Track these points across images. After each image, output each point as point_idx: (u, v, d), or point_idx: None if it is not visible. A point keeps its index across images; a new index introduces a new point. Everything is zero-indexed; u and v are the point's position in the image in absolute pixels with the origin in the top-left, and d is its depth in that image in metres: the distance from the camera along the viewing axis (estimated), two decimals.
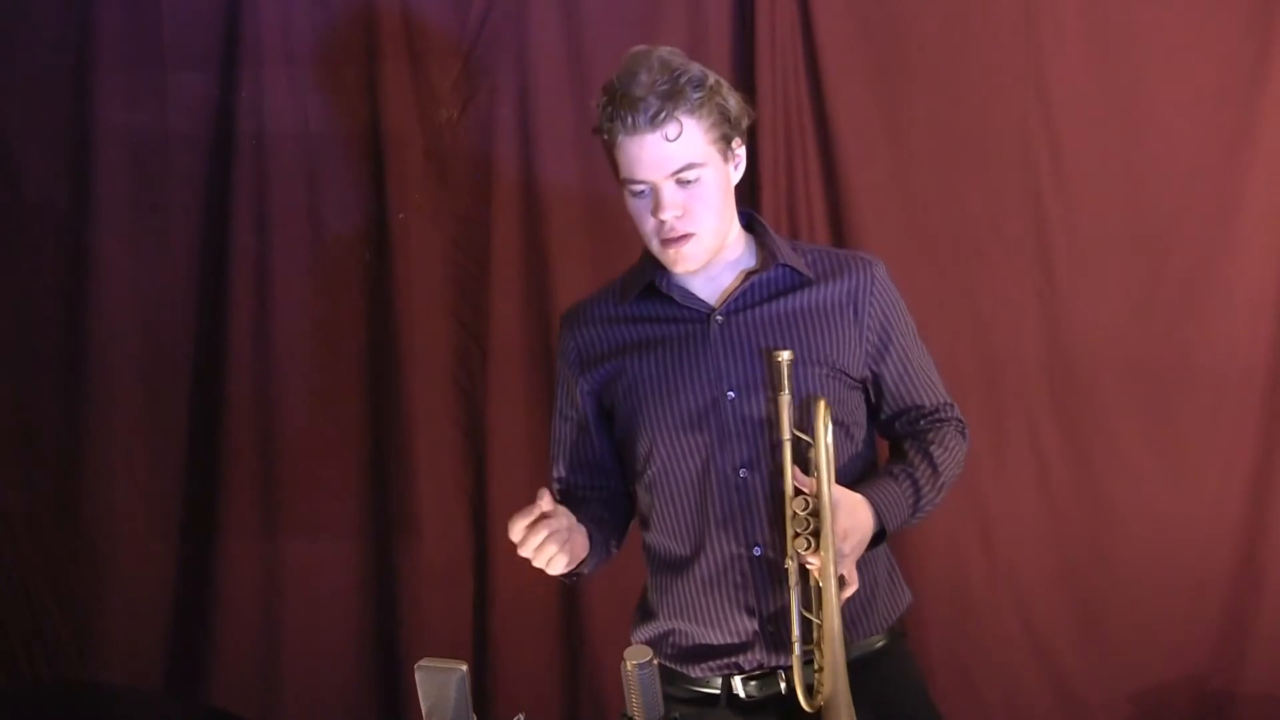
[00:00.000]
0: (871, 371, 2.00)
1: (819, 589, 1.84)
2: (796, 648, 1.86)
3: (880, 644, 2.00)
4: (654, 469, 2.00)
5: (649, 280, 2.02)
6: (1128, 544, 3.03)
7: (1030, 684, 3.04)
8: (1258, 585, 2.99)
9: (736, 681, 1.96)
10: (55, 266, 3.23)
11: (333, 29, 3.17)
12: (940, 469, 1.97)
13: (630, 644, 1.77)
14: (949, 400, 2.06)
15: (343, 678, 3.21)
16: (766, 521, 1.92)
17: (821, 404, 1.85)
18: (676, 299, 1.99)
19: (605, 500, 2.12)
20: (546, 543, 1.83)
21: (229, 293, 3.18)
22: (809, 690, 1.86)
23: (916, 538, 2.88)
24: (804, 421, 1.87)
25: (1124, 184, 3.00)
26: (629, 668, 1.71)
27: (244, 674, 3.20)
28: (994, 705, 3.08)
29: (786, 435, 1.86)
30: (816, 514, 1.81)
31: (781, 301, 1.97)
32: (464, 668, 1.68)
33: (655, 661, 1.70)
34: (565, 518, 1.87)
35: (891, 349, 1.99)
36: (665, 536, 2.02)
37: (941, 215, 3.03)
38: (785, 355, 1.87)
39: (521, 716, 1.87)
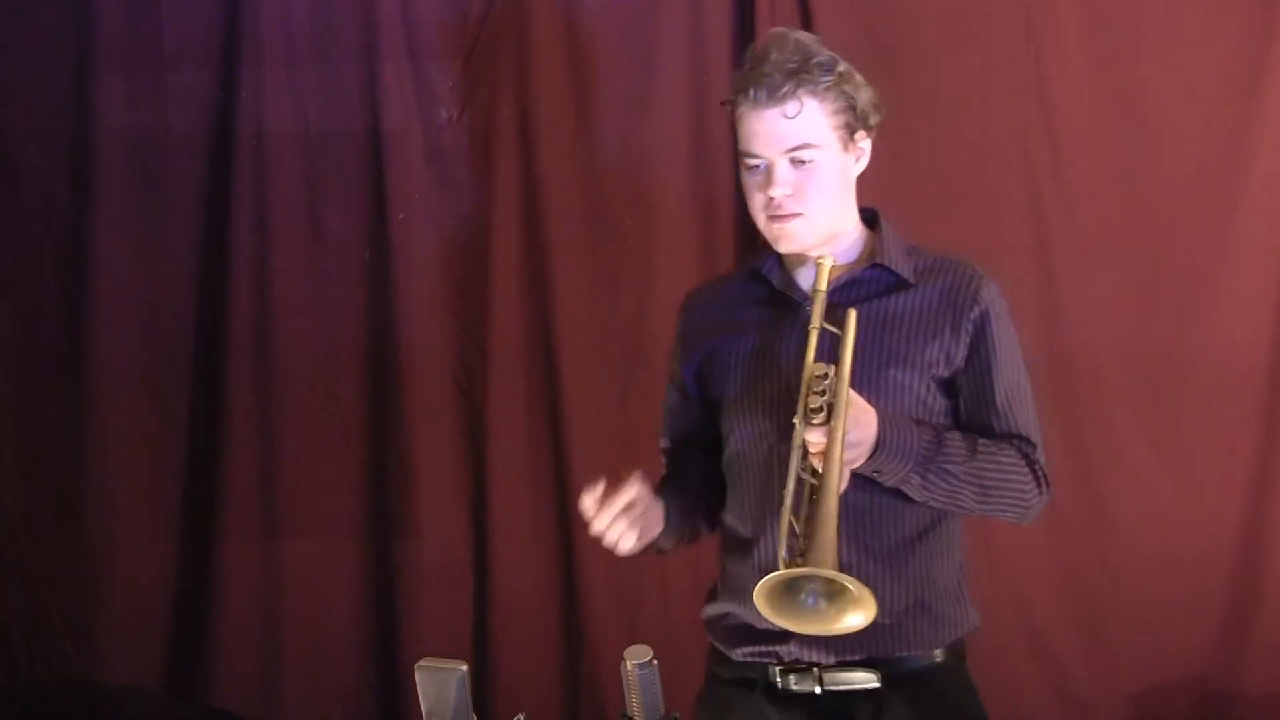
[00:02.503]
0: (955, 380, 1.94)
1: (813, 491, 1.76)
2: (788, 500, 1.77)
3: (939, 659, 1.95)
4: (731, 449, 1.99)
5: (756, 265, 2.01)
6: (1128, 544, 3.03)
7: (1031, 685, 3.04)
8: (1258, 585, 2.99)
9: (774, 671, 1.94)
10: (55, 266, 3.23)
11: (333, 29, 3.17)
12: (980, 454, 1.86)
13: (633, 643, 1.77)
14: (1028, 438, 1.94)
15: (343, 678, 3.21)
16: None
17: (852, 312, 1.83)
18: (775, 284, 1.98)
19: (705, 476, 2.08)
20: (615, 521, 1.80)
21: (229, 293, 3.18)
22: (790, 552, 1.77)
23: None
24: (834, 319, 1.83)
25: (1124, 184, 3.00)
26: (629, 668, 1.71)
27: (244, 674, 3.20)
28: (994, 706, 3.06)
29: (816, 325, 1.82)
30: (835, 393, 1.75)
31: (877, 303, 1.93)
32: (464, 668, 1.68)
33: (655, 661, 1.70)
34: (642, 498, 1.84)
35: (976, 362, 1.92)
36: (734, 518, 2.00)
37: (941, 215, 3.03)
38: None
39: (521, 716, 1.86)
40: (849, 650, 1.90)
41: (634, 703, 1.71)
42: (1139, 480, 3.02)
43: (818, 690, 1.91)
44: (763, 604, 1.70)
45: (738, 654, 1.97)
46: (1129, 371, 3.01)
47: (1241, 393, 2.98)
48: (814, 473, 1.75)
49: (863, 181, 3.06)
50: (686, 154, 3.10)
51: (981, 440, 1.89)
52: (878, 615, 1.77)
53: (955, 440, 1.87)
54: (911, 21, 3.02)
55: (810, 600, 1.72)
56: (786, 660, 1.93)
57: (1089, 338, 3.01)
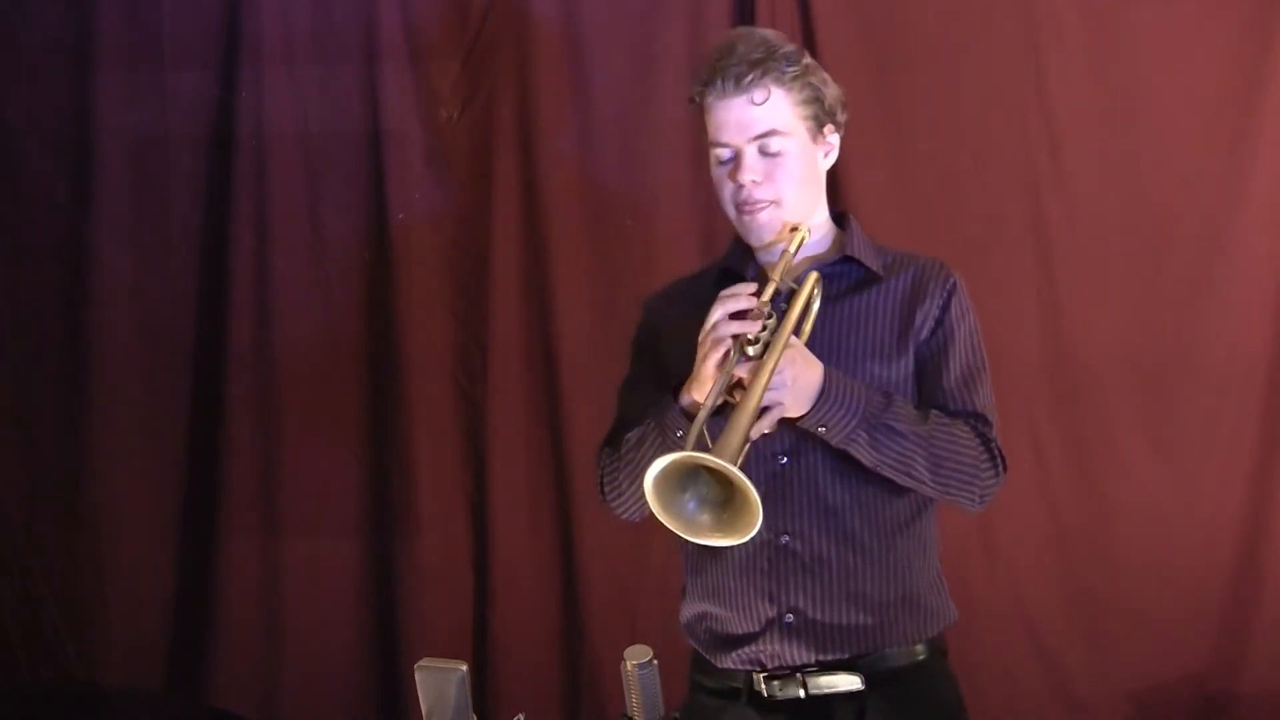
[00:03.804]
0: (915, 360, 1.94)
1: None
2: (705, 413, 1.72)
3: (921, 657, 1.95)
4: None
5: (726, 263, 2.02)
6: (1128, 543, 3.03)
7: (1030, 684, 3.04)
8: (1258, 584, 2.99)
9: (759, 679, 1.94)
10: (55, 266, 3.24)
11: (333, 29, 3.18)
12: (932, 422, 1.85)
13: (633, 643, 1.77)
14: (984, 415, 1.93)
15: (343, 678, 3.21)
16: (799, 511, 1.90)
17: (813, 274, 1.86)
18: (748, 279, 1.94)
19: None
20: None
21: (229, 293, 3.18)
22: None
23: None
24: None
25: (1124, 184, 3.00)
26: (629, 668, 1.71)
27: (244, 674, 3.20)
28: (994, 705, 3.08)
29: (776, 278, 1.82)
30: (772, 335, 1.75)
31: (849, 300, 1.95)
32: (464, 668, 1.68)
33: (655, 661, 1.70)
34: None
35: (934, 340, 1.94)
36: None
37: (942, 215, 3.03)
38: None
39: (521, 716, 1.86)
40: (833, 649, 1.90)
41: (634, 703, 1.71)
42: (1139, 480, 3.02)
43: (802, 694, 1.91)
44: (651, 492, 1.65)
45: (722, 661, 1.97)
46: (1129, 371, 3.01)
47: (1241, 392, 2.98)
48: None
49: (864, 183, 3.07)
50: (686, 154, 3.10)
51: (934, 411, 1.89)
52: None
53: (906, 404, 1.87)
54: (911, 22, 3.02)
55: (692, 506, 1.69)
56: (770, 666, 1.93)
57: (1089, 338, 3.01)
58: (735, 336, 1.75)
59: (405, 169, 3.16)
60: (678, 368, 1.87)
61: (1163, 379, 3.00)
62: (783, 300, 1.85)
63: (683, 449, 1.68)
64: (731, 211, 1.94)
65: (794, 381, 1.77)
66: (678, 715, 1.80)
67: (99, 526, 3.22)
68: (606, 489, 2.04)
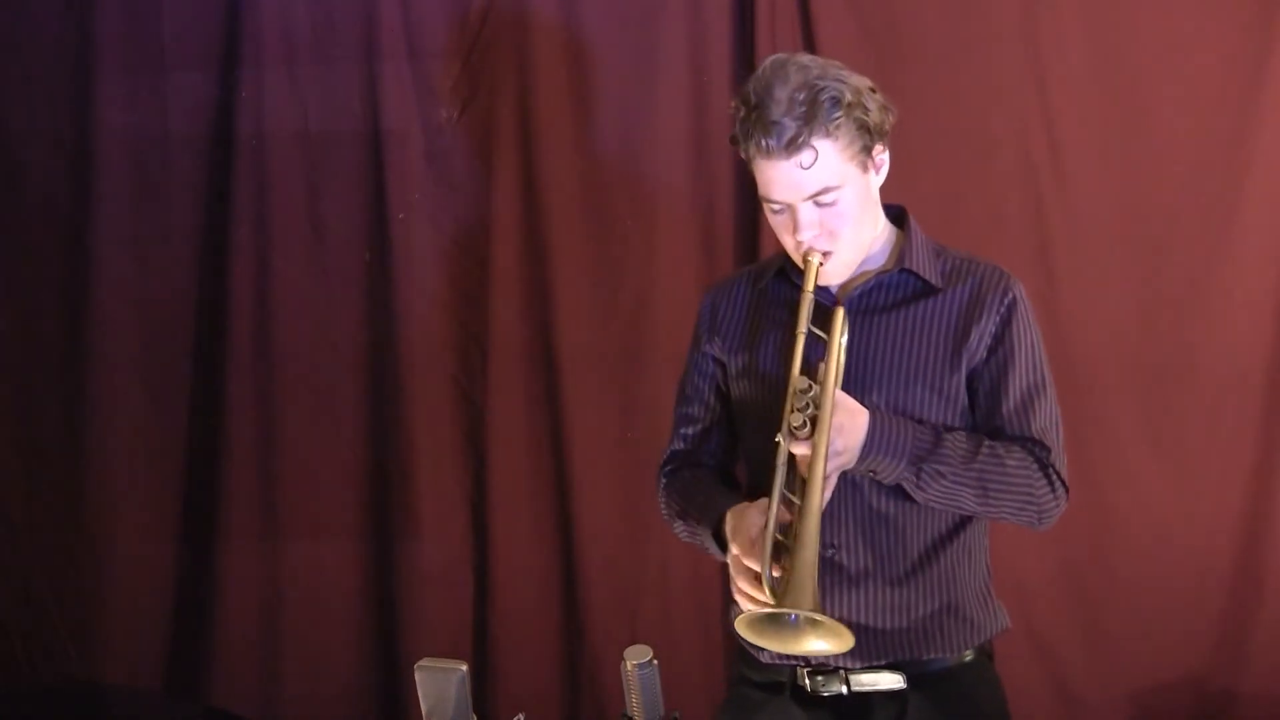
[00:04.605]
0: (971, 381, 1.92)
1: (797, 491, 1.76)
2: (771, 523, 1.76)
3: (968, 658, 1.96)
4: (746, 449, 2.01)
5: (782, 264, 2.00)
6: (1127, 543, 3.02)
7: (1030, 684, 3.04)
8: (1258, 585, 2.98)
9: (802, 673, 1.94)
10: (55, 266, 3.23)
11: (333, 29, 3.17)
12: (983, 455, 1.84)
13: (633, 643, 1.77)
14: (1041, 441, 1.90)
15: (343, 678, 3.21)
16: (845, 524, 1.90)
17: (840, 311, 1.84)
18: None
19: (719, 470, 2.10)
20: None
21: (229, 293, 3.18)
22: (773, 581, 1.75)
23: None
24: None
25: (1124, 184, 2.99)
26: (629, 667, 1.71)
27: (244, 674, 3.20)
28: None
29: (802, 329, 1.82)
30: (818, 405, 1.75)
31: (904, 311, 1.93)
32: (464, 668, 1.68)
33: (655, 661, 1.70)
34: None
35: (994, 360, 1.91)
36: None
37: (941, 215, 3.01)
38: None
39: (521, 716, 1.87)
40: (877, 654, 1.91)
41: (634, 703, 1.71)
42: (1139, 480, 3.01)
43: (844, 691, 1.91)
44: (744, 631, 1.74)
45: (766, 656, 1.96)
46: (1129, 371, 3.01)
47: (1241, 392, 2.97)
48: (800, 484, 1.76)
49: None
50: (686, 154, 3.10)
51: (989, 441, 1.88)
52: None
53: (957, 440, 1.86)
54: (911, 22, 3.01)
55: (792, 619, 1.73)
56: (814, 662, 1.93)
57: (1089, 338, 3.01)
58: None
59: (405, 169, 3.16)
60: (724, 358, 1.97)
61: (1163, 379, 3.00)
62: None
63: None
64: (797, 259, 1.91)
65: (845, 449, 1.79)
66: (678, 715, 1.80)
67: (99, 527, 3.22)
68: (666, 517, 2.10)
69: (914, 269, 1.94)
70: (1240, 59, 2.94)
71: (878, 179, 1.93)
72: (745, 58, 3.04)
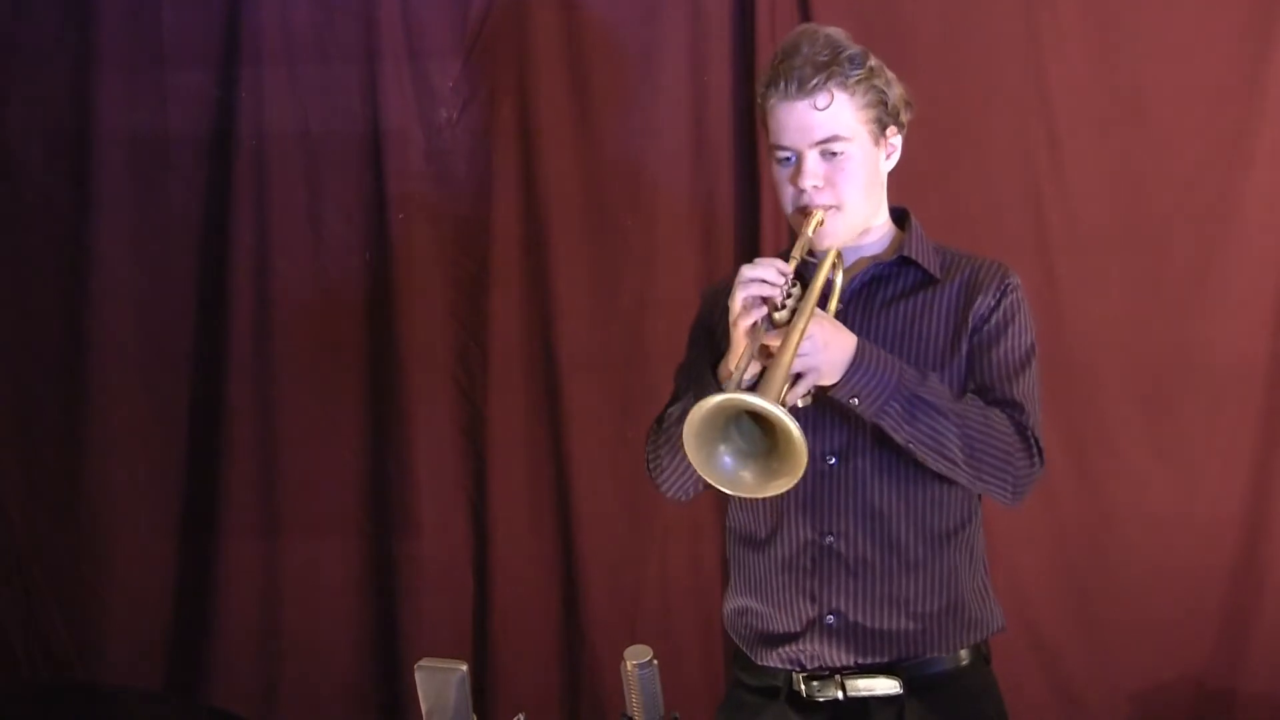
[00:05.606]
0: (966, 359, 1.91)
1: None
2: (738, 375, 1.72)
3: (963, 663, 1.95)
4: None
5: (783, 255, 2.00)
6: (1128, 543, 3.03)
7: (1030, 684, 3.04)
8: (1258, 584, 2.99)
9: (798, 678, 1.94)
10: (55, 266, 3.24)
11: (333, 29, 3.18)
12: (967, 403, 1.83)
13: (633, 643, 1.76)
14: (1021, 405, 1.89)
15: (343, 678, 3.21)
16: (845, 512, 1.90)
17: (832, 251, 1.86)
18: (805, 279, 1.94)
19: None
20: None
21: (229, 292, 3.18)
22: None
23: None
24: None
25: (1124, 183, 3.00)
26: (629, 667, 1.71)
27: (244, 674, 3.20)
28: None
29: (797, 255, 1.82)
30: (798, 302, 1.76)
31: (905, 303, 1.93)
32: (464, 668, 1.68)
33: (655, 661, 1.70)
34: None
35: (982, 334, 1.90)
36: (746, 513, 2.00)
37: (941, 215, 3.02)
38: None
39: (521, 716, 1.86)
40: (874, 653, 1.91)
41: (634, 703, 1.71)
42: (1139, 480, 3.01)
43: (840, 697, 1.91)
44: (691, 443, 1.65)
45: (763, 658, 1.96)
46: (1129, 371, 3.01)
47: (1241, 393, 2.98)
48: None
49: None
50: (686, 154, 3.10)
51: (970, 395, 1.87)
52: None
53: (941, 386, 1.84)
54: (911, 21, 3.01)
55: (728, 461, 1.69)
56: (810, 666, 1.93)
57: (1089, 338, 3.01)
58: (765, 299, 1.74)
59: (405, 169, 3.16)
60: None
61: (1163, 379, 3.00)
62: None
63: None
64: (791, 214, 1.92)
65: (826, 346, 1.76)
66: (678, 715, 1.80)
67: (99, 526, 3.22)
68: (651, 466, 2.02)
69: (913, 257, 1.95)
70: (1240, 59, 2.95)
71: (887, 163, 1.95)
72: (745, 58, 3.04)
